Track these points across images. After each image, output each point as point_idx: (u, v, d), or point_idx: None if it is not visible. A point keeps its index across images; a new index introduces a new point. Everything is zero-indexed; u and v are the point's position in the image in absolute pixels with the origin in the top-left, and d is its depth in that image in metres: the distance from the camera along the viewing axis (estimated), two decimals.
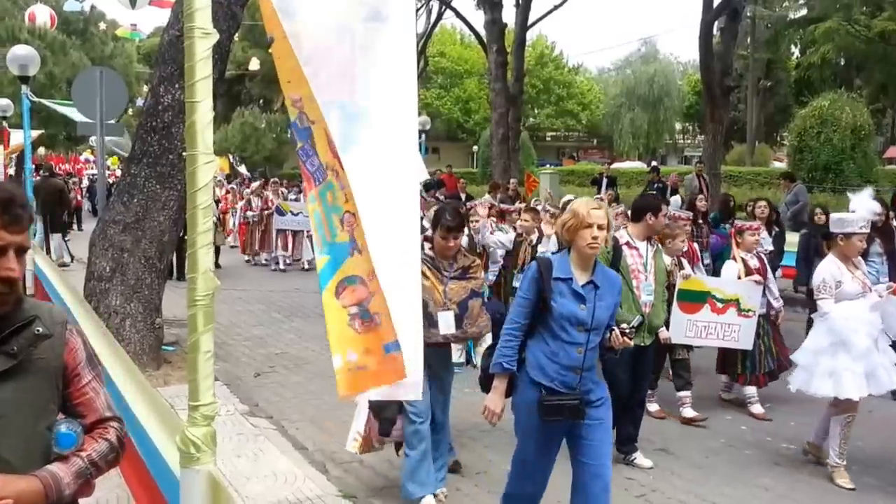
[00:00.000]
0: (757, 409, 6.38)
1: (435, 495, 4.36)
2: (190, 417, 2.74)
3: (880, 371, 4.83)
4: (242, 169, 34.86)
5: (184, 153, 2.82)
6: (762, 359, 6.41)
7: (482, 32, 22.27)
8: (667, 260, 5.99)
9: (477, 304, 4.32)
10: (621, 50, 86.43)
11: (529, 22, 22.65)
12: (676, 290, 5.94)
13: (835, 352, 4.89)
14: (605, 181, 17.78)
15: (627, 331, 3.48)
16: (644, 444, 5.40)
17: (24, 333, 1.93)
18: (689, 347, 6.39)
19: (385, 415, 4.37)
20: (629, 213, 5.79)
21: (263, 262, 15.47)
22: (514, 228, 8.26)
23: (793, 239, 9.05)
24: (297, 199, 15.80)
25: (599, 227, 3.40)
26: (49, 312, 2.05)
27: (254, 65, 33.95)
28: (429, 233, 7.71)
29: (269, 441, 5.40)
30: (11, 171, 19.22)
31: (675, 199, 13.71)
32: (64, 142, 29.91)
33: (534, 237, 7.68)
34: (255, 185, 17.18)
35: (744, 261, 6.36)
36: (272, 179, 17.30)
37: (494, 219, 8.69)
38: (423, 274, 4.08)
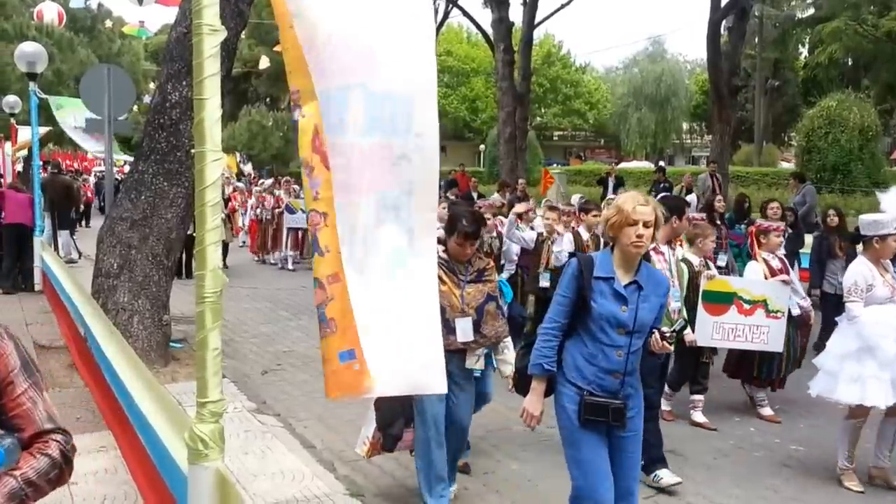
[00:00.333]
0: (767, 411, 6.30)
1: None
2: (198, 414, 2.74)
3: None
4: (248, 167, 34.90)
5: (192, 150, 2.80)
6: (783, 362, 6.22)
7: (489, 31, 22.25)
8: (695, 260, 5.95)
9: (492, 308, 4.23)
10: (628, 49, 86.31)
11: (536, 20, 22.62)
12: (701, 290, 5.82)
13: (861, 357, 4.73)
14: (611, 181, 17.76)
15: (668, 335, 3.30)
16: None
17: None
18: (713, 352, 6.24)
19: (391, 431, 4.30)
20: None
21: (272, 261, 15.39)
22: (532, 227, 8.18)
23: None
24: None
25: (645, 225, 3.20)
26: None
27: (263, 63, 33.94)
28: (440, 234, 7.65)
29: (277, 439, 5.40)
30: (19, 167, 19.26)
31: (691, 199, 13.55)
32: (71, 139, 29.97)
33: (556, 236, 7.62)
34: (267, 182, 17.03)
35: (766, 261, 6.21)
36: (285, 178, 17.17)
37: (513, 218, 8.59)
38: (440, 279, 3.96)
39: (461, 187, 16.47)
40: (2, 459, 1.76)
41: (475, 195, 15.30)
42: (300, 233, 14.52)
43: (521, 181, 16.54)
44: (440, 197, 12.25)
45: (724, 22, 17.99)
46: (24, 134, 17.12)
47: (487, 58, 32.41)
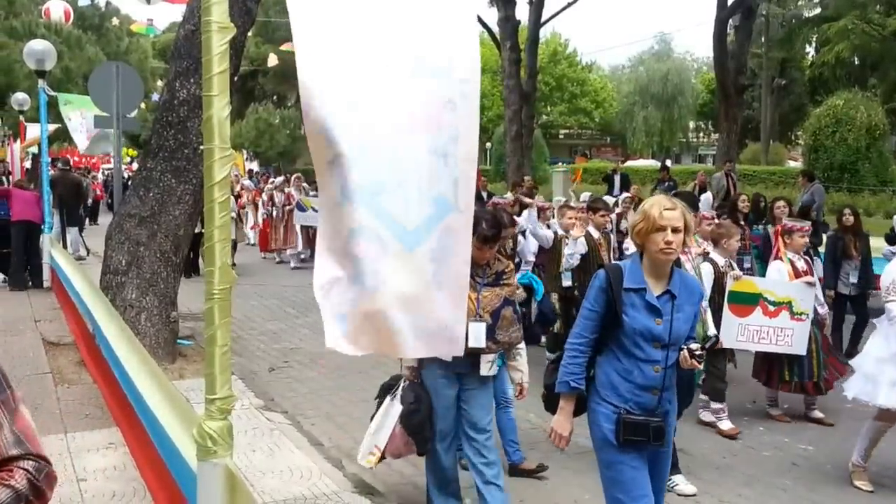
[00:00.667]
0: (816, 414, 6.15)
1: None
2: (207, 411, 2.74)
3: None
4: (254, 165, 34.98)
5: (200, 147, 2.80)
6: (810, 366, 6.01)
7: (495, 30, 22.22)
8: (720, 261, 5.86)
9: (509, 313, 4.07)
10: (635, 47, 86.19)
11: (543, 19, 22.60)
12: (727, 291, 5.73)
13: None
14: (617, 178, 17.74)
15: (698, 353, 3.09)
16: None
17: None
18: (732, 357, 6.14)
19: (426, 434, 4.08)
20: None
21: (279, 260, 15.29)
22: (548, 225, 8.01)
23: None
24: (317, 195, 15.54)
25: (674, 231, 3.00)
26: None
27: (271, 61, 34.01)
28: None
29: (285, 436, 5.40)
30: (27, 164, 19.36)
31: (707, 197, 13.38)
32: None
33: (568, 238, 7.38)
34: (277, 180, 16.88)
35: (791, 262, 6.09)
36: (295, 175, 17.01)
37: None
38: None
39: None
40: None
41: (484, 194, 15.29)
42: (311, 231, 14.43)
43: (527, 178, 16.45)
44: None
45: (730, 21, 17.94)
46: (33, 131, 17.21)
47: (493, 56, 32.38)
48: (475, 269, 3.96)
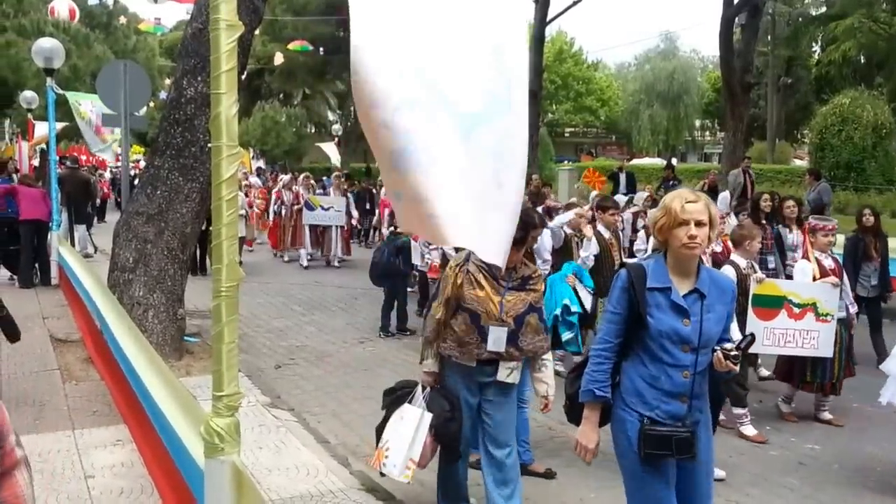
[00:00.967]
0: (826, 416, 6.09)
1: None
2: (214, 407, 2.75)
3: None
4: (261, 163, 35.04)
5: (207, 145, 2.81)
6: (832, 367, 5.94)
7: None
8: (742, 262, 5.74)
9: (534, 320, 3.90)
10: (641, 45, 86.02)
11: (548, 17, 22.56)
12: (751, 294, 5.64)
13: None
14: (622, 176, 17.69)
15: (733, 353, 2.86)
16: None
17: None
18: (755, 362, 6.06)
19: (459, 443, 3.94)
20: None
21: (286, 259, 15.18)
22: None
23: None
24: (326, 193, 15.40)
25: (698, 224, 2.83)
26: None
27: (278, 59, 34.07)
28: None
29: (291, 433, 5.41)
30: (36, 162, 19.44)
31: (724, 196, 13.08)
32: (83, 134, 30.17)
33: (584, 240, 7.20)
34: (285, 178, 16.77)
35: (818, 261, 6.00)
36: (304, 174, 16.92)
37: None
38: (478, 283, 3.81)
39: None
40: None
41: None
42: (319, 230, 14.34)
43: (535, 177, 16.23)
44: None
45: (736, 19, 17.88)
46: (41, 129, 17.29)
47: None
48: (499, 270, 3.80)
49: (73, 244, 12.67)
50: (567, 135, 56.62)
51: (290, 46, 32.04)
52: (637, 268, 2.97)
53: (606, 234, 7.23)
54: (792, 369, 6.09)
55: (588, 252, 6.81)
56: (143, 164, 22.70)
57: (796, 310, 5.72)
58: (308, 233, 14.29)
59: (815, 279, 5.91)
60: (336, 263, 14.18)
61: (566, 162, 36.99)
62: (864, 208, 8.27)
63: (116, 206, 22.62)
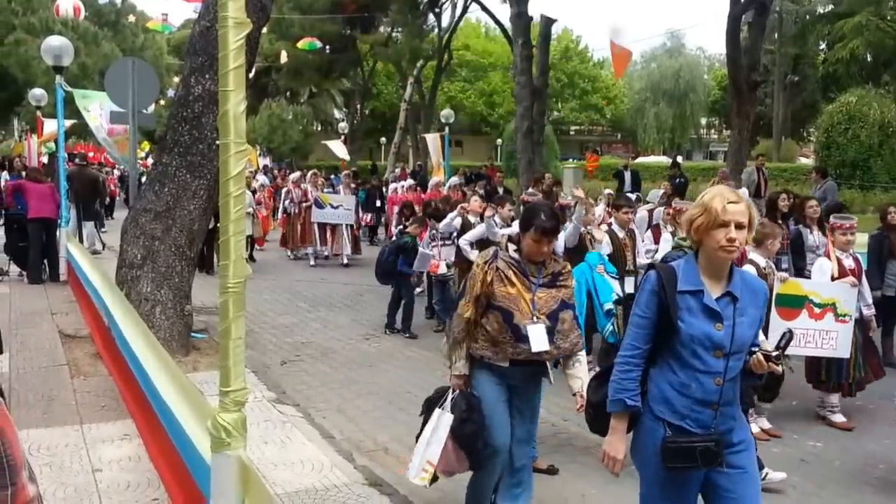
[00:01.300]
0: (838, 418, 5.96)
1: None
2: (221, 403, 2.79)
3: None
4: (267, 161, 35.11)
5: (214, 143, 2.85)
6: (847, 367, 5.86)
7: (508, 26, 22.20)
8: (761, 262, 5.67)
9: (568, 317, 3.78)
10: (647, 43, 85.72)
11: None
12: (774, 294, 5.52)
13: None
14: (628, 175, 17.70)
15: (774, 354, 2.74)
16: None
17: None
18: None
19: (478, 446, 3.78)
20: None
21: (293, 257, 15.05)
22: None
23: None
24: (335, 191, 15.37)
25: (738, 227, 2.67)
26: None
27: (284, 57, 34.09)
28: (509, 231, 7.25)
29: (297, 428, 5.46)
30: (44, 159, 19.54)
31: (741, 193, 13.09)
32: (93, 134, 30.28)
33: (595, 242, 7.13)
34: (294, 175, 16.73)
35: (838, 260, 5.92)
36: (312, 171, 16.87)
37: None
38: (509, 280, 3.69)
39: (492, 182, 16.70)
40: None
41: (501, 190, 15.30)
42: (328, 228, 14.29)
43: (547, 176, 16.09)
44: (471, 190, 12.28)
45: (743, 17, 17.82)
46: (50, 126, 17.37)
47: (505, 52, 32.39)
48: (529, 267, 3.74)
49: (81, 241, 12.75)
50: (572, 133, 56.60)
51: (300, 44, 32.06)
52: (667, 270, 2.81)
53: (621, 234, 7.09)
54: (808, 368, 6.05)
55: (601, 253, 6.75)
56: (150, 161, 22.80)
57: (817, 310, 5.67)
58: (317, 230, 14.27)
59: (833, 279, 5.85)
60: (345, 261, 14.19)
61: (571, 160, 36.99)
62: (889, 206, 7.98)
63: (126, 203, 22.70)
